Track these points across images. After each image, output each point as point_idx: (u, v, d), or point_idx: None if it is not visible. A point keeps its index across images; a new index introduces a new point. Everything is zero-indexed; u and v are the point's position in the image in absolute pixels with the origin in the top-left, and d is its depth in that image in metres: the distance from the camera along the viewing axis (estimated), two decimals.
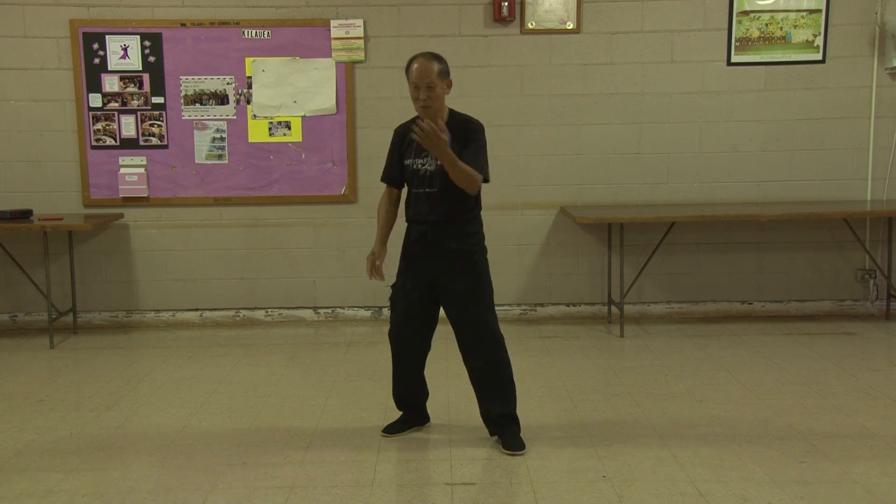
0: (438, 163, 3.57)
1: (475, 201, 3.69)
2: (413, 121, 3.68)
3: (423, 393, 3.94)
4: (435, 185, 3.60)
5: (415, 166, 3.65)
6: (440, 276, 3.65)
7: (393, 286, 3.78)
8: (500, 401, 3.71)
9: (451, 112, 3.67)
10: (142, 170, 5.98)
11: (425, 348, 3.84)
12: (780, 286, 6.20)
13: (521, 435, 3.70)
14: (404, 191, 3.81)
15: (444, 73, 3.57)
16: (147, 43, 5.90)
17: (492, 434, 3.76)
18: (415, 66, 3.54)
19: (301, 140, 6.01)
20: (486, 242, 3.77)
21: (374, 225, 3.88)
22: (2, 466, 3.56)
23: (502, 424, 3.70)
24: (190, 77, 5.94)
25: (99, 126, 5.94)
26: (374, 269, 3.78)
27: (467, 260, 3.65)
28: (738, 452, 3.58)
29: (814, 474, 3.36)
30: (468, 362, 3.72)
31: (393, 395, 3.93)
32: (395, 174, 3.78)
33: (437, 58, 3.58)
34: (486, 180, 3.61)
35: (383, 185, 3.84)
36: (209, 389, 4.59)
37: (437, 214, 3.62)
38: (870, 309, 6.20)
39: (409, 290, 3.71)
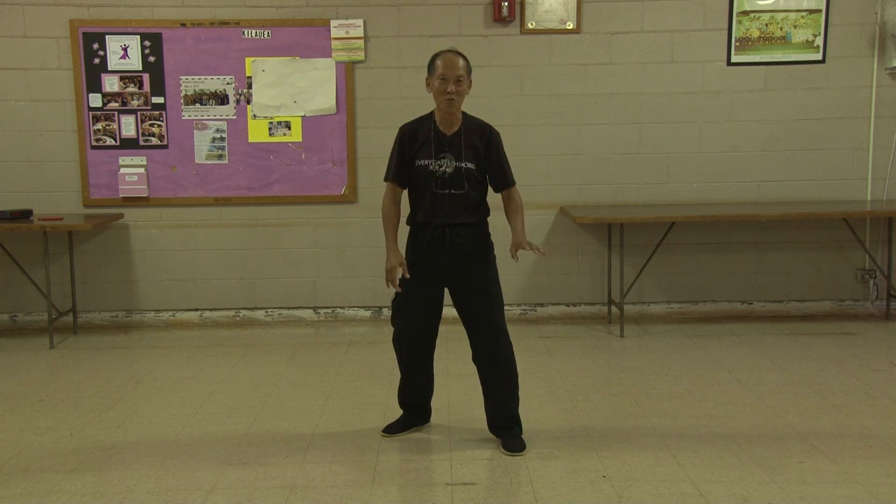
0: (457, 164, 3.57)
1: (486, 203, 3.71)
2: (421, 120, 3.66)
3: (431, 390, 3.92)
4: (462, 187, 3.59)
5: (431, 167, 3.59)
6: (456, 277, 3.64)
7: (398, 292, 3.68)
8: (506, 401, 3.70)
9: (465, 115, 3.65)
10: (142, 170, 5.98)
11: (434, 346, 3.82)
12: (779, 286, 6.20)
13: (522, 435, 3.70)
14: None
15: (469, 71, 3.58)
16: (147, 43, 5.90)
17: (494, 434, 3.74)
18: (443, 59, 3.53)
19: (301, 140, 6.01)
20: None
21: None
22: (2, 466, 3.55)
23: (505, 427, 3.69)
24: (190, 77, 5.94)
25: (99, 126, 5.94)
26: (397, 279, 3.62)
27: (484, 260, 3.66)
28: (738, 452, 3.58)
29: (814, 474, 3.36)
30: (480, 361, 3.70)
31: (399, 396, 3.92)
32: (405, 173, 3.67)
33: (463, 55, 3.58)
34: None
35: (384, 185, 3.77)
36: (209, 389, 4.59)
37: (459, 216, 3.60)
38: (870, 309, 6.20)
39: (421, 294, 3.65)
